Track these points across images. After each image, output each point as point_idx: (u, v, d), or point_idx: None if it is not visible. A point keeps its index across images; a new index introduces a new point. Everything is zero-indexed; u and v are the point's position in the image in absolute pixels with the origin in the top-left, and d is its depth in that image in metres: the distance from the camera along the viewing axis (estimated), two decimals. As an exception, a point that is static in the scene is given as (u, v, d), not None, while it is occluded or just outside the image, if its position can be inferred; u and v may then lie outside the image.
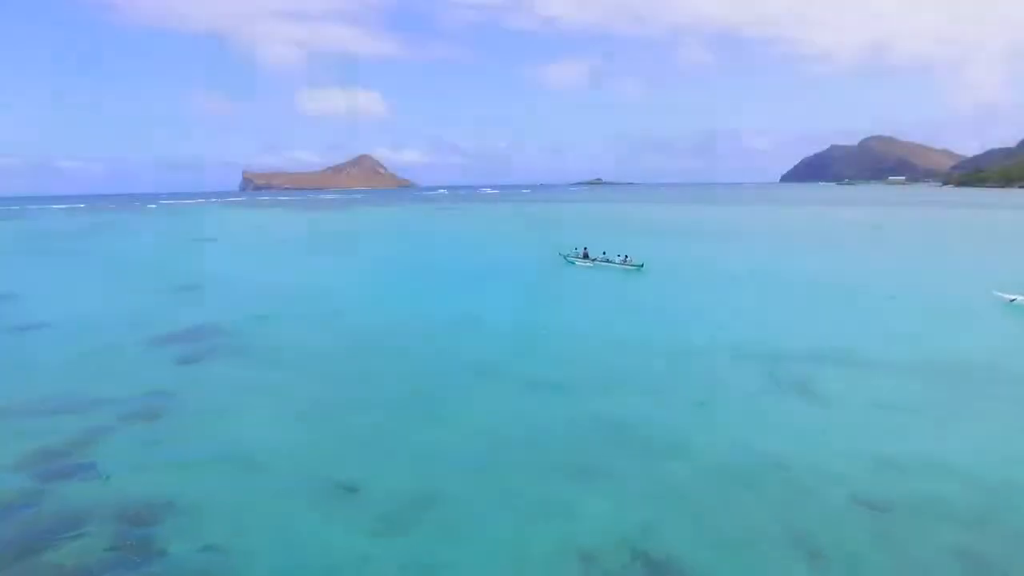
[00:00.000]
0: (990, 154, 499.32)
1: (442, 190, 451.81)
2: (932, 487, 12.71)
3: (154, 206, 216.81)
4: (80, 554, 10.91)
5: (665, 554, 10.53)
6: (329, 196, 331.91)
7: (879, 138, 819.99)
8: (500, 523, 11.65)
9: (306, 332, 27.64)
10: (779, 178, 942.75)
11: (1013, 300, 30.57)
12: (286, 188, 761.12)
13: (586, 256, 46.74)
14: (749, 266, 44.29)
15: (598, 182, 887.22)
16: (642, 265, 42.70)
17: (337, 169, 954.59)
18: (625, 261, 43.90)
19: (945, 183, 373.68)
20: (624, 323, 27.98)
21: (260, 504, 12.59)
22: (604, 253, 46.31)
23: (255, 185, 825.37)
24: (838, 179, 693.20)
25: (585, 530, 11.28)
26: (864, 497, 12.25)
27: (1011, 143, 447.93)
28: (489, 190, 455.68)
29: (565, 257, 47.82)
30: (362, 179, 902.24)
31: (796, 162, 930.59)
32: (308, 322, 29.79)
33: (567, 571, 10.20)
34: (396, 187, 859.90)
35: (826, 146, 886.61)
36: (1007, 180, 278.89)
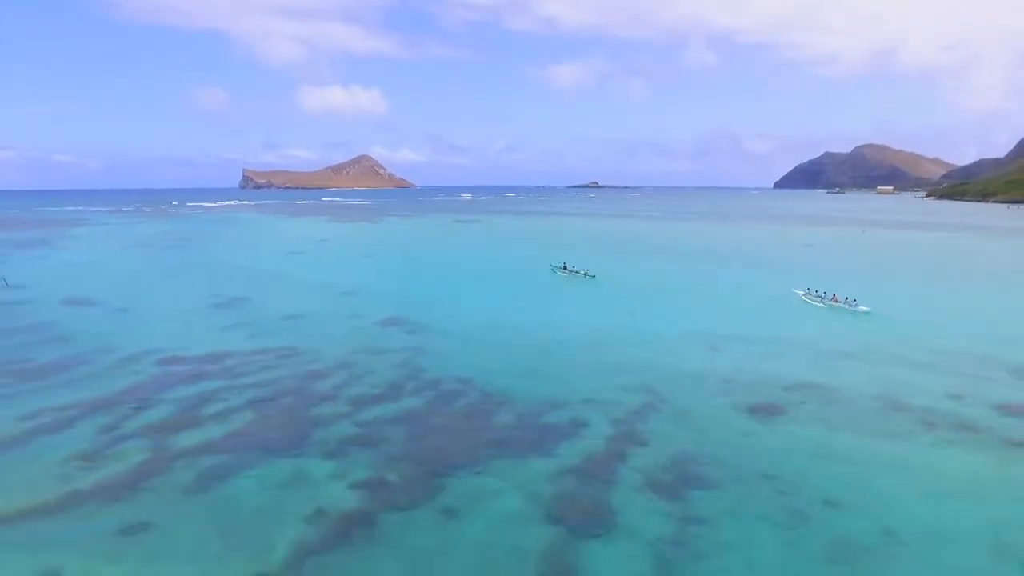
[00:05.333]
0: (980, 164, 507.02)
1: (466, 195, 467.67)
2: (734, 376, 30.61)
3: (189, 211, 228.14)
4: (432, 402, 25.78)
5: (630, 411, 27.38)
6: (356, 201, 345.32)
7: (871, 146, 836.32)
8: (556, 374, 32.80)
9: (455, 324, 43.28)
10: (772, 184, 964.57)
11: (801, 294, 51.68)
12: (286, 187, 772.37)
13: (565, 268, 68.21)
14: (669, 276, 67.01)
15: (594, 185, 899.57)
16: (595, 275, 64.64)
17: (337, 169, 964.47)
18: (586, 273, 65.17)
19: (928, 195, 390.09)
20: (581, 311, 49.52)
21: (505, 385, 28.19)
22: (574, 266, 68.09)
23: (255, 183, 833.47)
24: (830, 186, 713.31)
25: (601, 387, 30.30)
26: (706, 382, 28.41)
27: (1002, 153, 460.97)
28: (512, 195, 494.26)
29: (553, 268, 69.35)
30: (361, 179, 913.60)
31: (792, 167, 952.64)
32: (449, 320, 44.93)
33: (597, 395, 28.97)
34: (394, 187, 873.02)
35: (821, 152, 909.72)
36: (984, 195, 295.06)
